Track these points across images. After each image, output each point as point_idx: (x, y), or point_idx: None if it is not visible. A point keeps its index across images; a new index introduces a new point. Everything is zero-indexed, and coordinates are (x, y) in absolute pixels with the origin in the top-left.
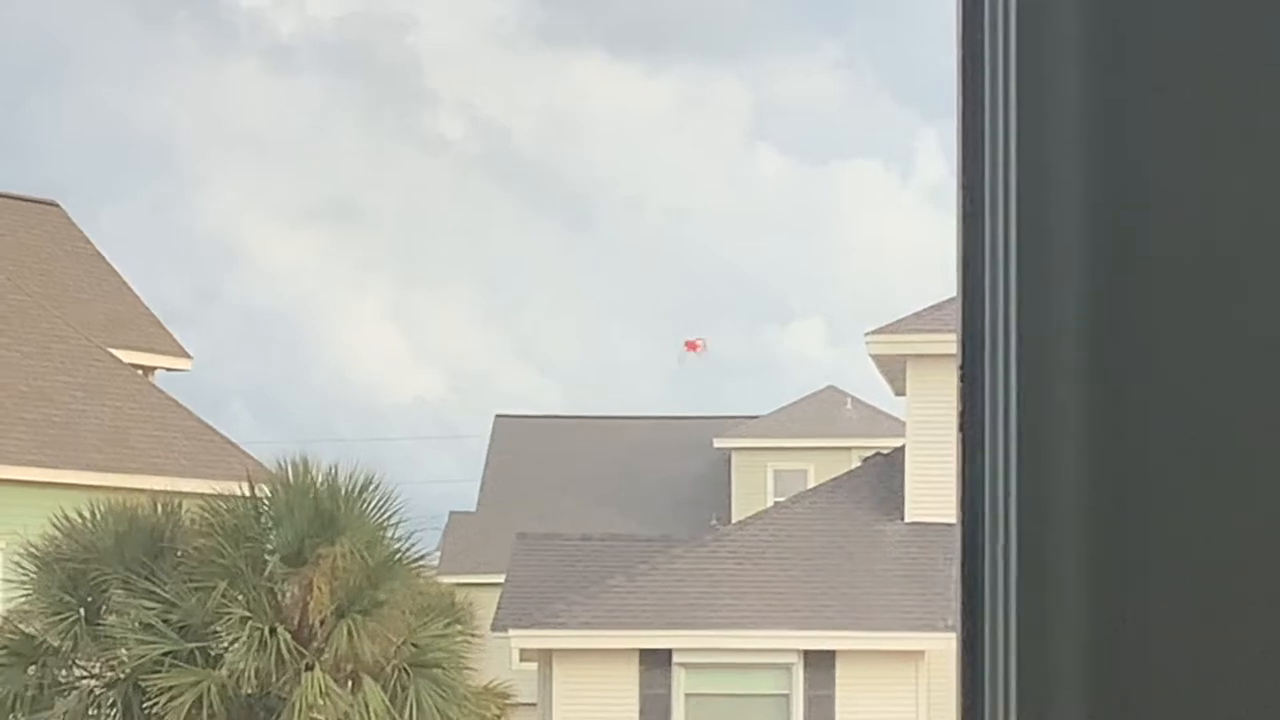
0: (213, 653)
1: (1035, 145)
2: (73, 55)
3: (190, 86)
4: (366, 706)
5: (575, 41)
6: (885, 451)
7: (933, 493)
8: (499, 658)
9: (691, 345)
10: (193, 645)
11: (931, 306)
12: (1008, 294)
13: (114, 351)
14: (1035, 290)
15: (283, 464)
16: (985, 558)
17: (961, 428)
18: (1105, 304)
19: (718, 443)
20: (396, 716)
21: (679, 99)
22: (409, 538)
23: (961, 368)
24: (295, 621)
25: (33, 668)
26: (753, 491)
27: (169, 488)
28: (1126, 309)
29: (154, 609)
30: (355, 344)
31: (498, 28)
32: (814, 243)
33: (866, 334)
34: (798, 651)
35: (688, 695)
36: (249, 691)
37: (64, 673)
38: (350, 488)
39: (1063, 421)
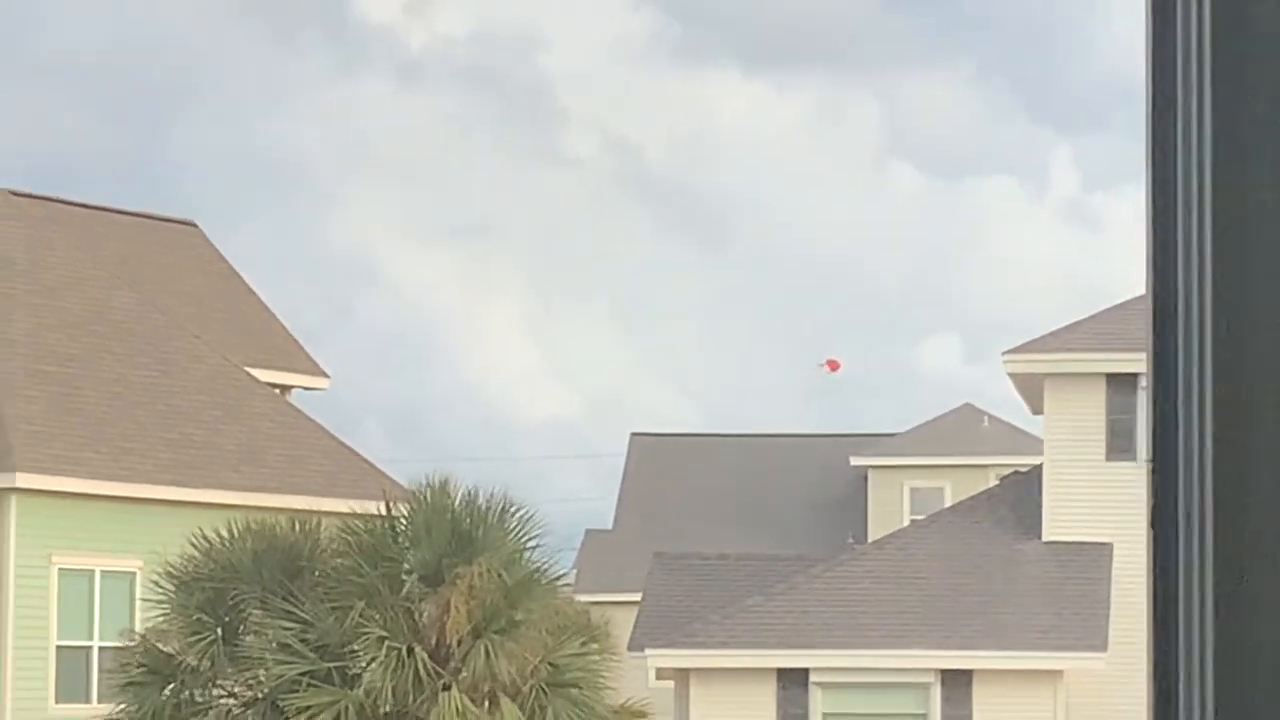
0: (350, 672)
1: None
2: (207, 78)
3: (323, 105)
4: None
5: (708, 58)
6: (1023, 470)
7: (1071, 512)
8: (635, 676)
9: (832, 364)
10: (330, 665)
11: (1068, 325)
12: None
13: (251, 371)
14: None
15: (420, 484)
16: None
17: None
18: None
19: (854, 461)
20: None
21: (812, 115)
22: (546, 557)
23: (1152, 461)
24: (432, 641)
25: (170, 687)
26: (889, 510)
27: (306, 507)
28: None
29: (291, 629)
30: (490, 362)
31: (629, 45)
32: (949, 259)
33: (1004, 353)
34: (935, 671)
35: (825, 715)
36: (386, 711)
37: (201, 692)
38: (488, 508)
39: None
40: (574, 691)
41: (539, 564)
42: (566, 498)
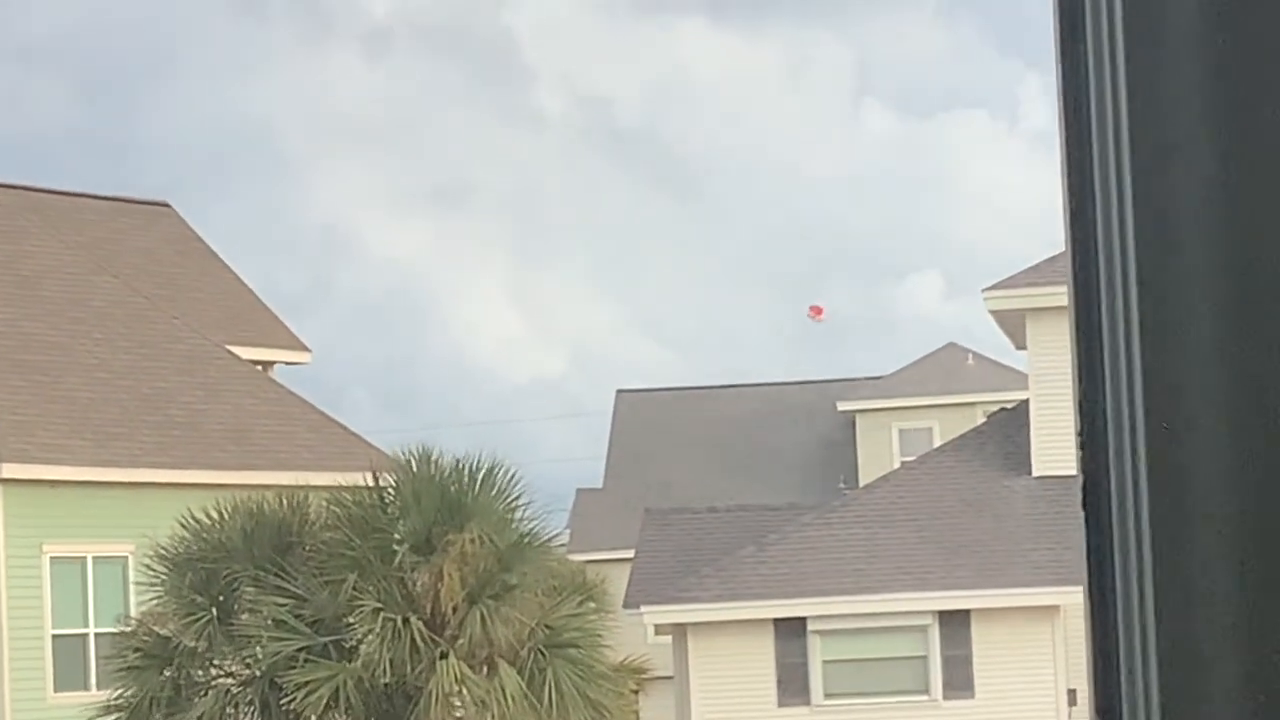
0: (347, 645)
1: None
2: (173, 56)
3: (290, 77)
4: (504, 691)
5: (675, 8)
6: (1010, 406)
7: (1059, 446)
8: (634, 633)
9: (815, 310)
10: (326, 639)
11: (1047, 260)
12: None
13: (232, 349)
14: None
15: (406, 453)
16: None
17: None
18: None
19: (841, 405)
20: (534, 699)
21: (782, 61)
22: (537, 519)
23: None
24: (427, 610)
25: (168, 669)
26: (879, 453)
27: (294, 482)
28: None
29: (286, 605)
30: (473, 326)
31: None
32: (925, 197)
33: (984, 290)
34: (932, 613)
35: (824, 662)
36: (385, 682)
37: (200, 673)
38: (475, 472)
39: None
40: (572, 652)
41: (530, 526)
42: (556, 458)
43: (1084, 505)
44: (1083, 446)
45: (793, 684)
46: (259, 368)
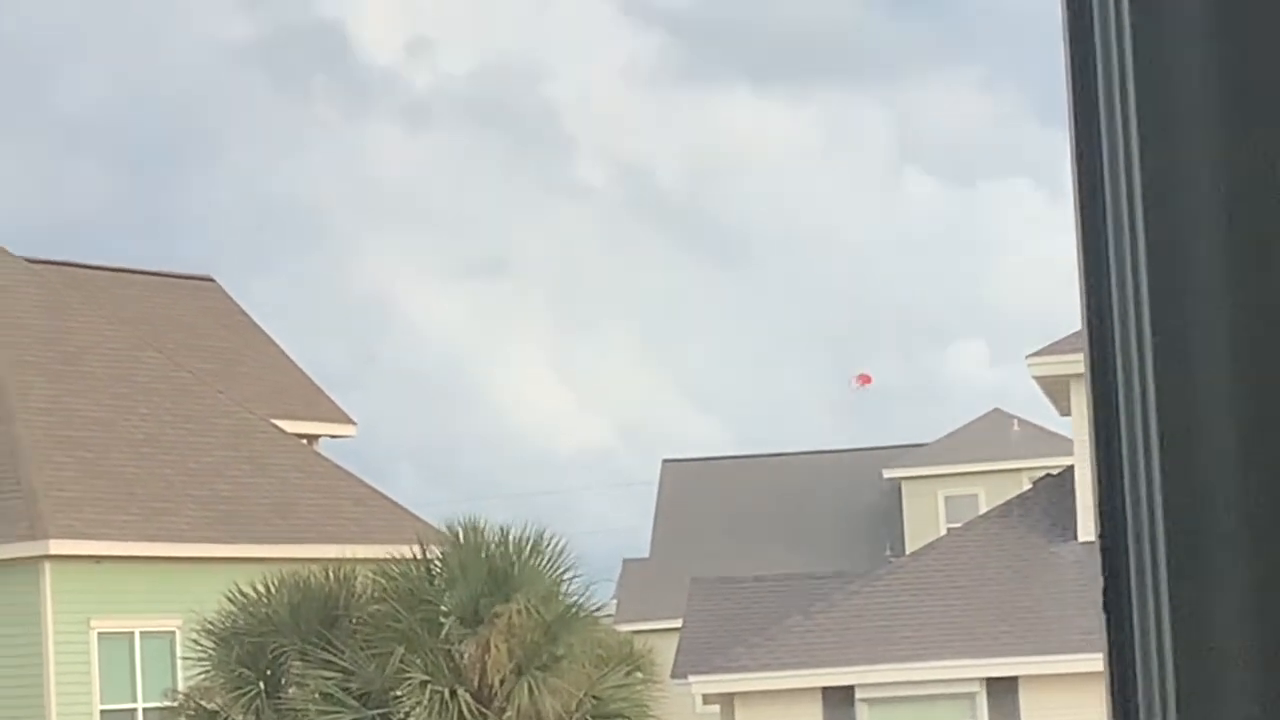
0: (395, 718)
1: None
2: (215, 132)
3: (333, 152)
4: None
5: (716, 77)
6: (1055, 472)
7: None
8: (682, 703)
9: (863, 379)
10: (374, 712)
11: None
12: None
13: (278, 422)
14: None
15: (452, 524)
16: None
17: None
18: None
19: (887, 473)
20: None
21: (824, 128)
22: (584, 589)
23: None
24: (475, 682)
25: None
26: (925, 519)
27: (340, 555)
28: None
29: (333, 678)
30: (518, 397)
31: (634, 69)
32: (968, 264)
33: (1028, 356)
34: (980, 680)
35: None
36: None
37: None
38: (521, 543)
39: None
40: None
41: (577, 597)
42: (602, 528)
43: (1105, 607)
44: (1104, 550)
45: None
46: (304, 441)
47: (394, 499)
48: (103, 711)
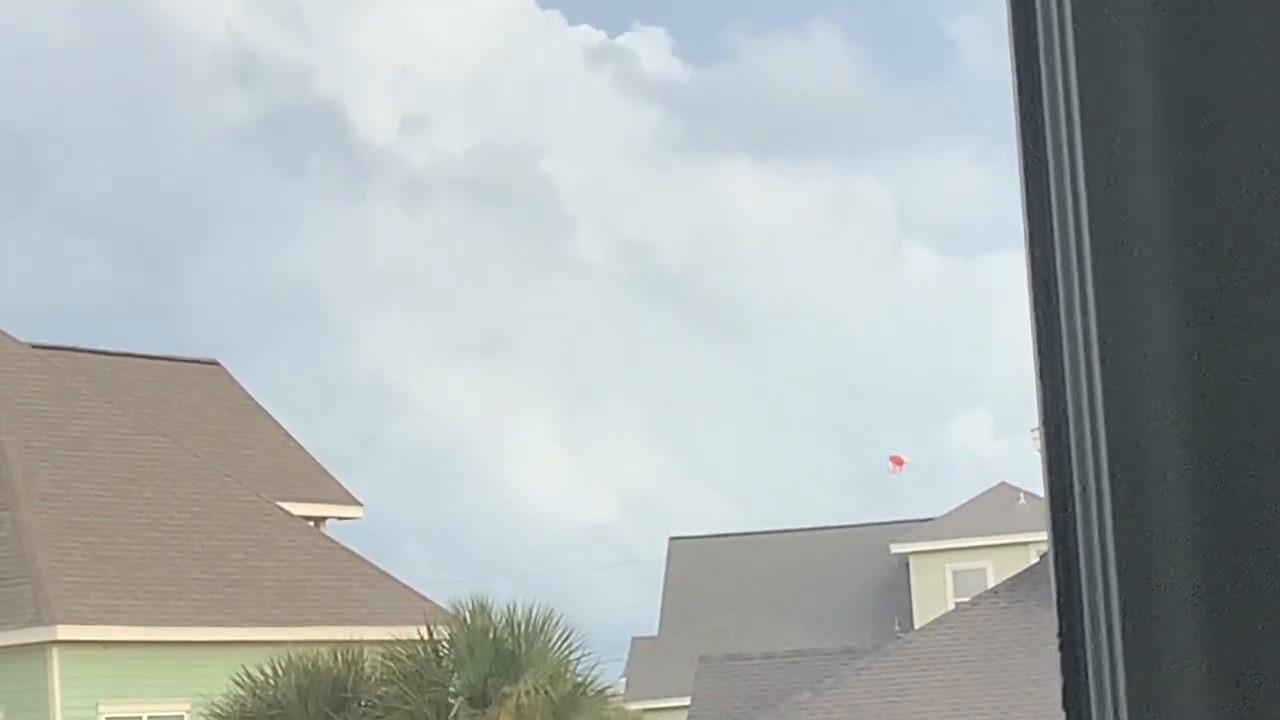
0: None
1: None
2: (215, 215)
3: (332, 233)
4: None
5: (716, 152)
6: None
7: None
8: None
9: (897, 461)
10: None
11: None
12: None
13: (284, 505)
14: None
15: (460, 605)
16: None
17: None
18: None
19: (894, 548)
20: None
21: (824, 202)
22: (593, 668)
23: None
24: None
25: None
26: (933, 594)
27: (348, 637)
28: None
29: None
30: (523, 475)
31: (634, 145)
32: (970, 336)
33: (1033, 429)
34: None
35: None
36: None
37: None
38: (529, 624)
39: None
40: None
41: (585, 676)
42: (611, 607)
43: (1065, 707)
44: (1062, 647)
45: None
46: (311, 523)
47: (401, 579)
48: None
